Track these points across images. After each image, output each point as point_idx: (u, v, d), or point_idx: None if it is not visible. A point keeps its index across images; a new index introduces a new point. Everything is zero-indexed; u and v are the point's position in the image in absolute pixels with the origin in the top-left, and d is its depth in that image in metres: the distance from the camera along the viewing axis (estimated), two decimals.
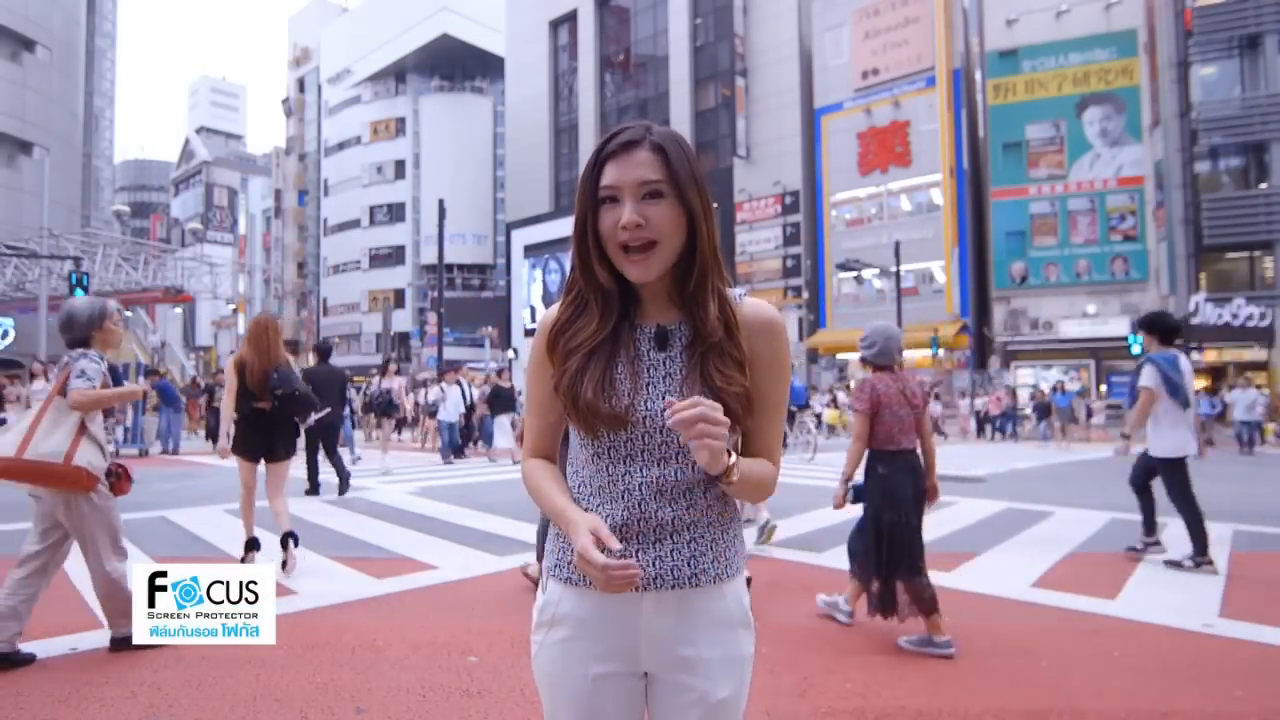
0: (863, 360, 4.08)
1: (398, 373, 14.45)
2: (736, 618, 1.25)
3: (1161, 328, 5.74)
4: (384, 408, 12.63)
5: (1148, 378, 5.54)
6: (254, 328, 5.43)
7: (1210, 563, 5.30)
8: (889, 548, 3.79)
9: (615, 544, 1.12)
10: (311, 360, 10.26)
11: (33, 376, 10.94)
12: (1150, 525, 5.88)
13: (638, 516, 1.20)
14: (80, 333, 3.69)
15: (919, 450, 3.93)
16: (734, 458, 1.16)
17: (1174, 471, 5.52)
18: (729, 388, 1.18)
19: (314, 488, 9.08)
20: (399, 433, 18.92)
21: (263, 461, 5.23)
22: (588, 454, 1.24)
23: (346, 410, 11.55)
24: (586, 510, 1.23)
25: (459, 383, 14.26)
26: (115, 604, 3.56)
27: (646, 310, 1.26)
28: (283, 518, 5.18)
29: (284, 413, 5.24)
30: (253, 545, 5.06)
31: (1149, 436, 5.69)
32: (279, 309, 63.28)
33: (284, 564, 5.06)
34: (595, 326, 1.22)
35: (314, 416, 5.81)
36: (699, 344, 1.21)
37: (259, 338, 5.30)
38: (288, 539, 5.09)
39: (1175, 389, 5.46)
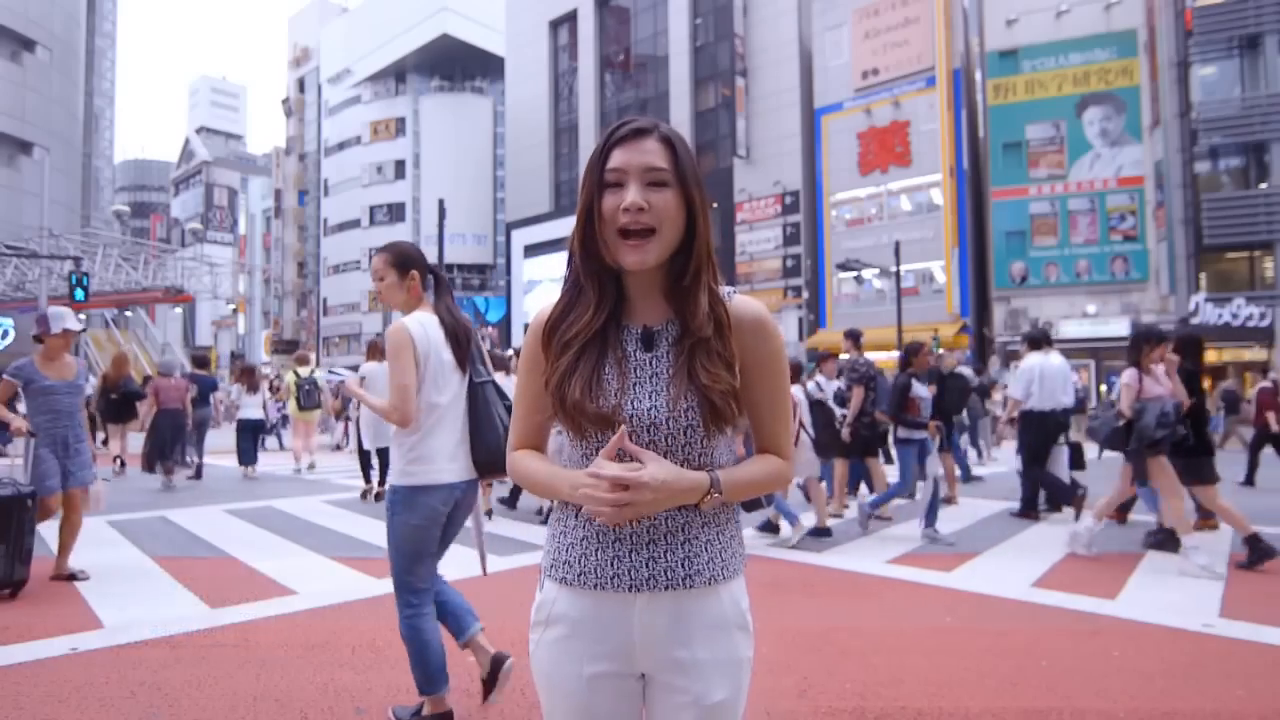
0: None
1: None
2: (732, 620, 1.24)
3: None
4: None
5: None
6: (114, 358, 11.33)
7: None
8: None
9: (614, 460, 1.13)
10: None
11: None
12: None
13: None
14: None
15: None
16: (713, 488, 1.18)
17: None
18: (715, 385, 1.17)
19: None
20: None
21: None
22: (579, 455, 1.24)
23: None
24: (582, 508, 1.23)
25: None
26: None
27: (635, 309, 1.25)
28: (125, 452, 11.36)
29: (126, 399, 10.87)
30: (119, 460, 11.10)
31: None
32: (279, 309, 63.30)
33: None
34: (589, 318, 1.22)
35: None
36: (686, 340, 1.20)
37: (116, 364, 11.10)
38: (118, 459, 11.17)
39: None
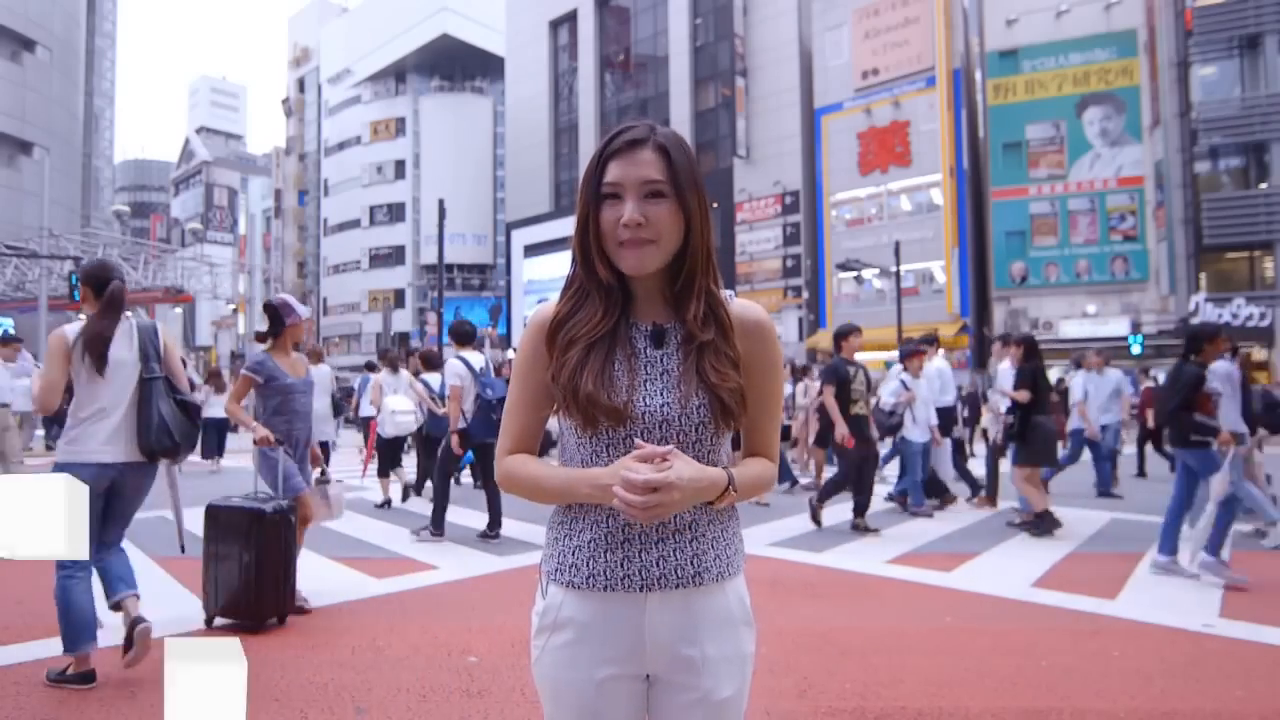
0: None
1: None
2: (738, 616, 1.25)
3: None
4: None
5: None
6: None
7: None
8: None
9: (659, 450, 1.11)
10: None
11: None
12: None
13: None
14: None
15: None
16: (730, 485, 1.18)
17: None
18: (724, 384, 1.19)
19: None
20: None
21: None
22: (586, 453, 1.23)
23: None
24: (583, 507, 1.22)
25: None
26: None
27: (641, 309, 1.26)
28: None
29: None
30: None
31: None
32: None
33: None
34: (598, 319, 1.22)
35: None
36: (693, 341, 1.21)
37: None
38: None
39: None
